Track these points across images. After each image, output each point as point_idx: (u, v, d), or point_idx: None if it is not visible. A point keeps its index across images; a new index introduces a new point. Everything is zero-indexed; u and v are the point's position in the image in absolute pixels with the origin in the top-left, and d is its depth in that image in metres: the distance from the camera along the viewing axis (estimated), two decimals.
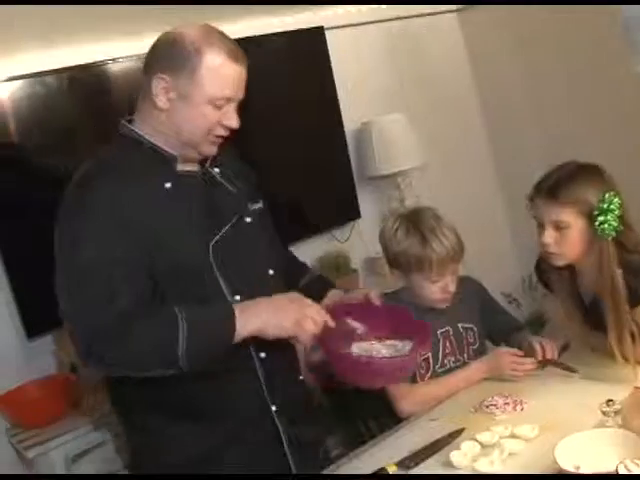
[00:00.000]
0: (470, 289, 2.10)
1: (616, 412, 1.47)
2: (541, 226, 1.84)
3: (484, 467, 1.50)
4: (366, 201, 3.64)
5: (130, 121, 1.65)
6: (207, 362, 1.53)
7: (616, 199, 1.75)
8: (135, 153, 1.60)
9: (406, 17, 3.80)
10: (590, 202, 1.76)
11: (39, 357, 2.76)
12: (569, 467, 1.33)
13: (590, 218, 1.76)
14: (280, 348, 1.62)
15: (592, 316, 1.88)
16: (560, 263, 1.87)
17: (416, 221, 1.95)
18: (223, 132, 1.62)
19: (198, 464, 1.63)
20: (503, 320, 2.15)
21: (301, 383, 1.82)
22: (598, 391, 1.65)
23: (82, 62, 2.81)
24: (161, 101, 1.57)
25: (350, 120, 3.52)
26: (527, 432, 1.59)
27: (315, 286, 1.87)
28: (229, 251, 1.62)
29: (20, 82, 2.67)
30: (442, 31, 3.96)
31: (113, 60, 2.87)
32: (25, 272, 2.67)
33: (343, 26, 3.56)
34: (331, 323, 1.58)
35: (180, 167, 1.63)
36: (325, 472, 1.70)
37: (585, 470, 1.32)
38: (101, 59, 2.85)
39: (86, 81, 2.83)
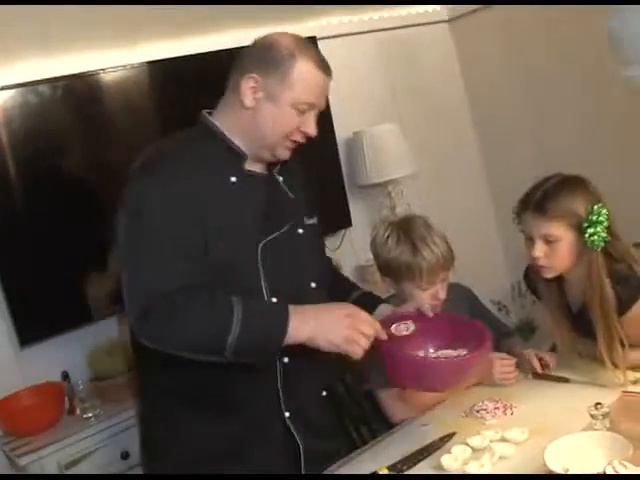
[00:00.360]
0: (460, 295, 2.12)
1: (604, 415, 1.49)
2: (530, 239, 1.84)
3: (475, 470, 1.51)
4: (357, 209, 3.65)
5: (210, 114, 1.69)
6: (251, 358, 1.54)
7: (604, 210, 1.77)
8: (207, 143, 1.65)
9: (398, 27, 3.82)
10: (578, 214, 1.77)
11: (32, 365, 2.75)
12: (558, 469, 1.35)
13: (579, 230, 1.77)
14: (306, 359, 1.61)
15: (580, 324, 1.89)
16: (550, 275, 1.88)
17: (407, 229, 1.97)
18: (300, 138, 1.66)
19: (205, 457, 1.64)
20: (493, 326, 2.16)
21: (322, 399, 1.81)
22: (586, 395, 1.68)
23: (74, 71, 2.82)
24: (248, 99, 1.61)
25: (342, 129, 3.53)
26: (517, 436, 1.61)
27: (364, 301, 1.85)
28: (276, 255, 1.64)
29: (12, 91, 2.67)
30: (434, 41, 3.98)
31: (104, 70, 2.87)
32: (19, 281, 2.68)
33: (335, 36, 3.58)
34: (383, 336, 1.57)
35: (247, 166, 1.67)
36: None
37: (574, 473, 1.34)
38: (94, 68, 2.85)
39: (78, 90, 2.83)
